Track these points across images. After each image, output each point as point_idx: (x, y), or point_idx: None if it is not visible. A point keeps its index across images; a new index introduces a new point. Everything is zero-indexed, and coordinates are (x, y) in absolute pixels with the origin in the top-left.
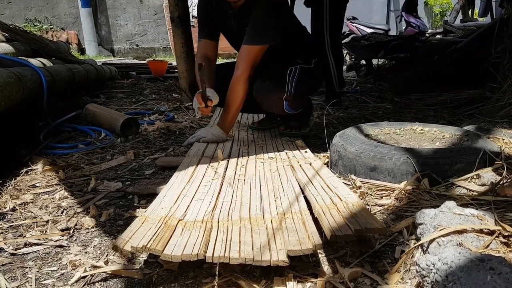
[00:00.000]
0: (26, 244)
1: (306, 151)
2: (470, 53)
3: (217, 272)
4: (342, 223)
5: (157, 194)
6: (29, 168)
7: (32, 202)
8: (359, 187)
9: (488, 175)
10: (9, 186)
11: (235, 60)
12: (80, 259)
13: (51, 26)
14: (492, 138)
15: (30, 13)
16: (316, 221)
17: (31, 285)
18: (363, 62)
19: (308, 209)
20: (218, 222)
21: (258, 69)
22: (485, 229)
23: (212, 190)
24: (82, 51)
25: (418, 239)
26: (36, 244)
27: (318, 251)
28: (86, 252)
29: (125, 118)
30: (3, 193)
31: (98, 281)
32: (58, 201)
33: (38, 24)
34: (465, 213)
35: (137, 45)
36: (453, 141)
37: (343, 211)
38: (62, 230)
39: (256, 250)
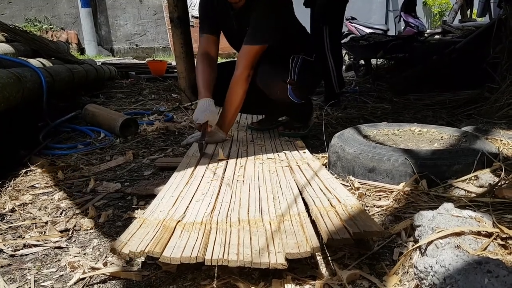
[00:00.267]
0: (25, 245)
1: (304, 152)
2: (468, 53)
3: (215, 274)
4: (340, 226)
5: (156, 195)
6: (28, 169)
7: (31, 203)
8: (358, 188)
9: (486, 176)
10: (8, 186)
11: (235, 59)
12: (79, 261)
13: (51, 26)
14: (491, 139)
15: (30, 13)
16: (314, 223)
17: (30, 287)
18: (362, 62)
19: (306, 211)
20: (217, 224)
21: (259, 63)
22: (483, 231)
23: (211, 191)
24: (81, 51)
25: (416, 241)
26: (35, 245)
27: (316, 253)
28: (85, 254)
29: (124, 119)
30: (2, 194)
31: (97, 283)
32: (57, 202)
33: (38, 24)
34: (463, 215)
35: (136, 45)
36: (452, 142)
37: (341, 213)
38: (61, 231)
39: (254, 252)
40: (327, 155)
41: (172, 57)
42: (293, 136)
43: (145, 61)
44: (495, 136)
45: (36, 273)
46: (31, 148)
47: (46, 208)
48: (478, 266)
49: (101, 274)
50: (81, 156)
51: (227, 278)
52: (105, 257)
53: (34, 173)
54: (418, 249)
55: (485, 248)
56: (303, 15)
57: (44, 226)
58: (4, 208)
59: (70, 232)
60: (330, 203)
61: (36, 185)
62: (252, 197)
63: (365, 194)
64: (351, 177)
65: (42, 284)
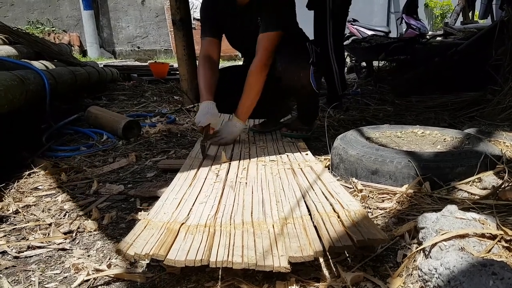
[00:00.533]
0: (29, 247)
1: (307, 154)
2: (470, 55)
3: (219, 276)
4: (342, 233)
5: (159, 197)
6: (31, 171)
7: (34, 205)
8: (361, 191)
9: (489, 178)
10: (12, 188)
11: (237, 64)
12: (83, 263)
13: (53, 28)
14: (494, 141)
15: (33, 16)
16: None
17: None
18: (364, 64)
19: (309, 214)
20: (220, 226)
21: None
22: (487, 233)
23: (214, 194)
24: (84, 53)
25: (420, 243)
26: (39, 247)
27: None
28: (88, 255)
29: (127, 121)
30: (6, 196)
31: (101, 285)
32: (60, 204)
33: (40, 26)
34: (467, 217)
35: (138, 47)
36: (455, 144)
37: (344, 219)
38: (64, 233)
39: (259, 255)
40: (329, 157)
41: (173, 59)
42: (295, 138)
43: (147, 63)
44: (498, 138)
45: (40, 274)
46: (34, 150)
47: (50, 210)
48: (483, 268)
49: (105, 276)
50: (84, 158)
51: (231, 280)
52: (109, 258)
53: (38, 175)
54: (422, 251)
55: (490, 250)
56: (305, 18)
57: (48, 228)
58: (8, 210)
59: (74, 234)
60: (333, 208)
61: (40, 187)
62: (255, 199)
63: (368, 196)
64: (354, 179)
65: (46, 285)
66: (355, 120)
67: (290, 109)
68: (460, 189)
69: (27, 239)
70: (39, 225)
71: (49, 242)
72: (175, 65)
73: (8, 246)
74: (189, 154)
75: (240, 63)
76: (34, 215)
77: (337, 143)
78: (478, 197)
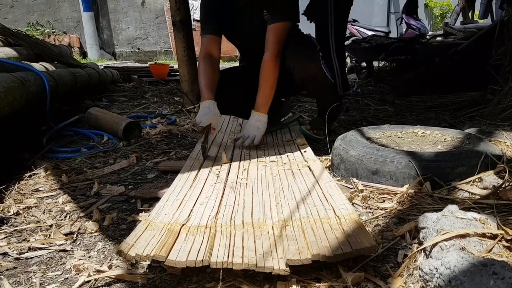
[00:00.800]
0: (30, 249)
1: (305, 151)
2: (471, 55)
3: (220, 277)
4: (333, 244)
5: (159, 198)
6: (32, 172)
7: (35, 206)
8: (361, 191)
9: (490, 178)
10: (12, 190)
11: (236, 65)
12: (83, 264)
13: (53, 30)
14: (494, 141)
15: (33, 17)
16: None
17: None
18: (364, 64)
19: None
20: (221, 227)
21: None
22: (488, 233)
23: (215, 194)
24: (84, 54)
25: (420, 243)
26: (40, 249)
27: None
28: (89, 257)
29: (127, 122)
30: (7, 197)
31: (102, 286)
32: (61, 205)
33: (40, 28)
34: (468, 217)
35: (138, 49)
36: (455, 144)
37: (335, 228)
38: (65, 235)
39: (259, 256)
40: (330, 157)
41: (173, 61)
42: (313, 139)
43: (147, 65)
44: (499, 138)
45: (41, 276)
46: (35, 151)
47: (51, 211)
48: (483, 268)
49: (106, 277)
50: (84, 159)
51: (232, 280)
52: (110, 260)
53: (38, 177)
54: (423, 251)
55: (490, 250)
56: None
57: (49, 229)
58: (9, 212)
59: (75, 235)
60: (326, 214)
61: (40, 189)
62: (256, 201)
63: (369, 196)
64: (354, 179)
65: (47, 287)
66: (355, 120)
67: (291, 108)
68: (461, 189)
69: (28, 241)
70: (40, 226)
71: (50, 243)
72: (175, 66)
73: (9, 248)
74: (189, 155)
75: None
76: (35, 216)
77: (338, 143)
78: (479, 197)
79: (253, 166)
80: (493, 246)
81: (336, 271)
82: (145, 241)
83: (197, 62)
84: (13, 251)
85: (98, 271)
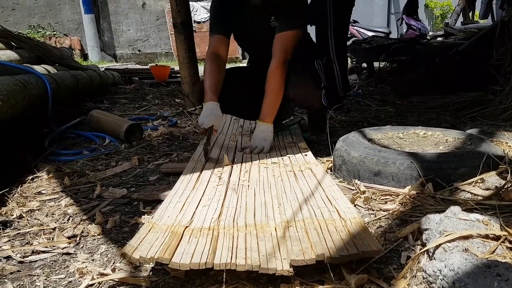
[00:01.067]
0: (33, 252)
1: (306, 155)
2: (471, 55)
3: (224, 279)
4: (338, 244)
5: (162, 200)
6: (35, 175)
7: (38, 210)
8: (364, 192)
9: (492, 179)
10: (15, 193)
11: (243, 65)
12: (87, 267)
13: (54, 33)
14: (496, 141)
15: (34, 20)
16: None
17: None
18: (364, 65)
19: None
20: (224, 229)
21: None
22: (491, 234)
23: (217, 196)
24: (85, 56)
25: (423, 245)
26: (44, 252)
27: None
28: (93, 260)
29: (129, 124)
30: (10, 201)
31: None
32: (64, 208)
33: (41, 30)
34: (470, 218)
35: (139, 51)
36: (457, 145)
37: (340, 230)
38: (68, 238)
39: (262, 257)
40: (331, 159)
41: (174, 62)
42: (314, 142)
43: (148, 67)
44: (500, 139)
45: (45, 279)
46: (37, 154)
47: (53, 214)
48: (487, 270)
49: (110, 280)
50: (86, 162)
51: (235, 283)
52: (113, 263)
53: (41, 180)
54: (426, 253)
55: (494, 251)
56: None
57: (52, 233)
58: (12, 215)
59: (78, 238)
60: (331, 216)
61: (43, 192)
62: (258, 202)
63: (371, 197)
64: (356, 181)
65: None
66: (356, 121)
67: (293, 110)
68: (463, 190)
69: (31, 244)
70: (43, 229)
71: (53, 246)
72: (176, 68)
73: (12, 251)
74: (191, 157)
75: (240, 65)
76: (38, 219)
77: (339, 144)
78: (481, 198)
79: (255, 168)
80: (497, 248)
81: (339, 273)
82: (149, 243)
83: (198, 65)
84: (16, 254)
85: (102, 274)
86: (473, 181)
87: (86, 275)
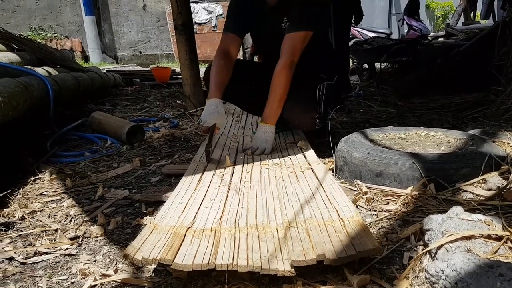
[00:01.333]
0: (35, 253)
1: (308, 153)
2: (473, 56)
3: (226, 280)
4: (337, 246)
5: (164, 202)
6: (37, 177)
7: (40, 211)
8: (366, 193)
9: (494, 179)
10: (17, 195)
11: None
12: (89, 268)
13: (55, 34)
14: (498, 142)
15: (35, 22)
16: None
17: None
18: (366, 66)
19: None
20: (225, 230)
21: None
22: (493, 234)
23: (219, 198)
24: (86, 58)
25: (426, 245)
26: (46, 253)
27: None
28: (95, 261)
29: (130, 126)
30: (12, 202)
31: None
32: (66, 210)
33: (42, 32)
34: (473, 218)
35: (140, 52)
36: (459, 145)
37: (339, 231)
38: (71, 239)
39: (263, 258)
40: (333, 160)
41: (175, 64)
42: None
43: (149, 68)
44: (502, 139)
45: (48, 280)
46: (39, 156)
47: (56, 215)
48: (489, 270)
49: (112, 281)
50: (88, 163)
51: (237, 284)
52: (116, 264)
53: (43, 181)
54: (428, 253)
55: (496, 252)
56: None
57: (54, 234)
58: (14, 216)
59: (80, 239)
60: (330, 216)
61: (45, 193)
62: (259, 203)
63: (373, 198)
64: (358, 181)
65: None
66: (358, 122)
67: None
68: (465, 191)
69: (34, 245)
70: (45, 231)
71: (56, 247)
72: (177, 69)
73: (15, 252)
74: (193, 158)
75: None
76: (40, 221)
77: (341, 145)
78: (483, 198)
79: (257, 169)
80: (499, 248)
81: (342, 273)
82: (151, 244)
83: (214, 59)
84: (19, 255)
85: (104, 275)
86: (475, 182)
87: (89, 276)
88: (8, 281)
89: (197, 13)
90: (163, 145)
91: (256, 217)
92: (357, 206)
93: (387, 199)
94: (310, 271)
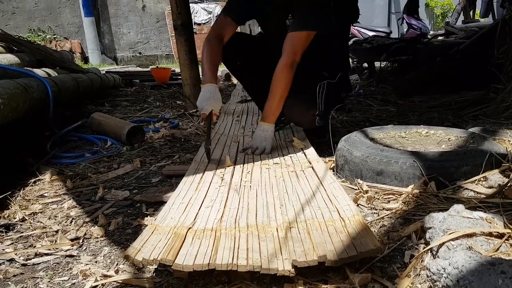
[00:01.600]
0: (36, 254)
1: (308, 151)
2: (472, 54)
3: (227, 280)
4: (338, 247)
5: (164, 202)
6: (37, 178)
7: (41, 212)
8: (366, 192)
9: (495, 177)
10: (18, 196)
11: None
12: (90, 269)
13: (55, 36)
14: (498, 139)
15: (34, 23)
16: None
17: None
18: (365, 65)
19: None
20: (226, 230)
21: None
22: (495, 232)
23: (220, 198)
24: (85, 59)
25: (427, 243)
26: (47, 254)
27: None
28: (96, 262)
29: (130, 127)
30: (12, 204)
31: None
32: (66, 211)
33: (41, 34)
34: (474, 216)
35: (140, 53)
36: (459, 143)
37: (339, 231)
38: (71, 240)
39: (264, 258)
40: (334, 159)
41: (175, 64)
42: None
43: (148, 69)
44: (503, 137)
45: (49, 281)
46: (39, 157)
47: (56, 216)
48: (491, 267)
49: (113, 281)
50: (88, 164)
51: (239, 283)
52: (117, 264)
53: (43, 182)
54: (429, 251)
55: (498, 249)
56: None
57: (55, 235)
58: (15, 218)
59: (81, 240)
60: (331, 216)
61: (45, 194)
62: (260, 203)
63: (374, 197)
64: (359, 180)
65: None
66: (358, 121)
67: None
68: (466, 188)
69: (35, 247)
70: (46, 232)
71: (56, 249)
72: (177, 70)
73: (15, 254)
74: (193, 158)
75: None
76: (41, 222)
77: (342, 144)
78: (485, 196)
79: (257, 169)
80: (500, 245)
81: (343, 272)
82: (152, 245)
83: (205, 47)
84: (19, 257)
85: (105, 276)
86: (476, 180)
87: (90, 277)
88: (9, 283)
89: (196, 13)
90: (163, 146)
91: (256, 217)
92: (358, 205)
93: (388, 198)
94: (311, 270)
